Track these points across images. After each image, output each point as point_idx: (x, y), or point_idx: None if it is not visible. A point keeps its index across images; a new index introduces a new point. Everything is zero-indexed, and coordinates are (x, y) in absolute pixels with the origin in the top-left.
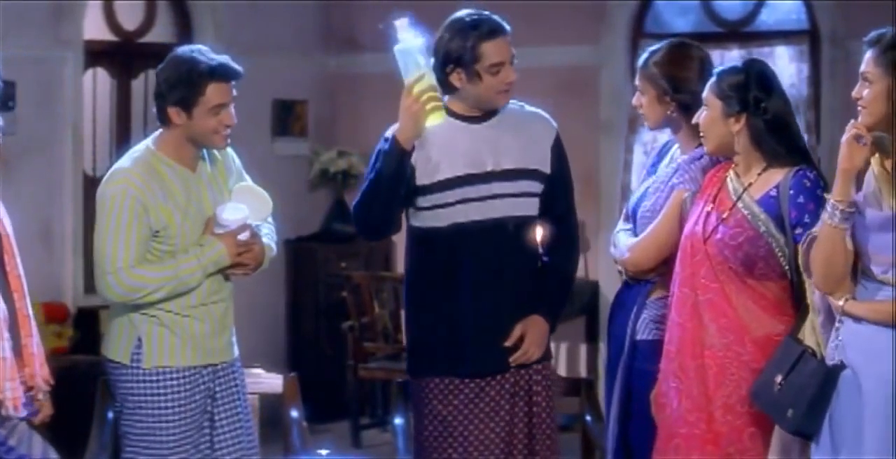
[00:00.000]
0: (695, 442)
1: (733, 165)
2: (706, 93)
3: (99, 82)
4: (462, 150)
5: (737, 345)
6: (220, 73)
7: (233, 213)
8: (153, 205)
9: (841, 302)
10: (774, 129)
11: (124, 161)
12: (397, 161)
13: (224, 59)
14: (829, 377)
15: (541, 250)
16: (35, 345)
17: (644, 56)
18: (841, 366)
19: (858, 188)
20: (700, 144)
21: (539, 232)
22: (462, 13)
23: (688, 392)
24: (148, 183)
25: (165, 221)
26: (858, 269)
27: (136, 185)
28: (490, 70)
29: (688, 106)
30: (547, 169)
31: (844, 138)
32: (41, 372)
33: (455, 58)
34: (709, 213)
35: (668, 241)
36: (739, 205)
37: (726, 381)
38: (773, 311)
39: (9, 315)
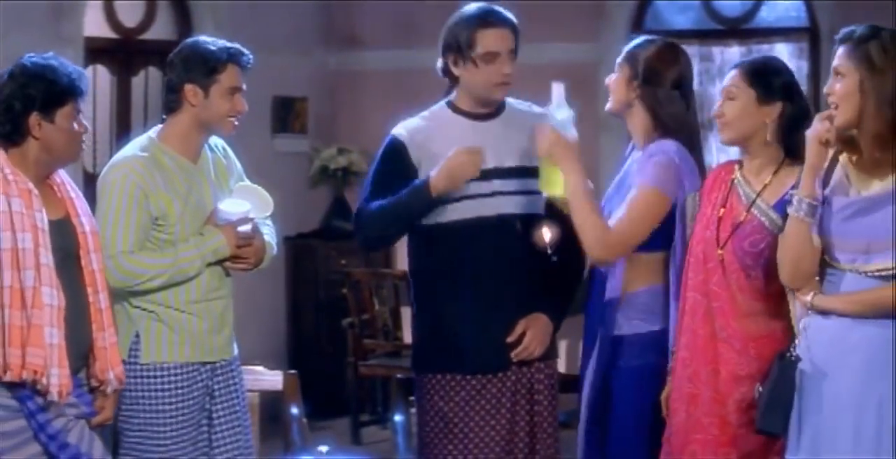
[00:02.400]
0: (710, 446)
1: (737, 166)
2: (734, 81)
3: (99, 79)
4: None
5: (745, 351)
6: (237, 57)
7: (234, 207)
8: (153, 191)
9: (808, 297)
10: (800, 122)
11: (126, 150)
12: (426, 204)
13: (220, 41)
14: (784, 369)
15: (549, 250)
16: (107, 341)
17: (636, 41)
18: (797, 360)
19: (826, 183)
20: (653, 139)
21: (547, 232)
22: (469, 5)
23: (701, 397)
24: (149, 170)
25: (165, 209)
26: (822, 266)
27: (137, 172)
28: (485, 58)
29: (648, 99)
30: None
31: (810, 134)
32: (115, 370)
33: (452, 44)
34: (720, 219)
35: (643, 239)
36: (755, 211)
37: (738, 386)
38: (775, 309)
39: (81, 309)
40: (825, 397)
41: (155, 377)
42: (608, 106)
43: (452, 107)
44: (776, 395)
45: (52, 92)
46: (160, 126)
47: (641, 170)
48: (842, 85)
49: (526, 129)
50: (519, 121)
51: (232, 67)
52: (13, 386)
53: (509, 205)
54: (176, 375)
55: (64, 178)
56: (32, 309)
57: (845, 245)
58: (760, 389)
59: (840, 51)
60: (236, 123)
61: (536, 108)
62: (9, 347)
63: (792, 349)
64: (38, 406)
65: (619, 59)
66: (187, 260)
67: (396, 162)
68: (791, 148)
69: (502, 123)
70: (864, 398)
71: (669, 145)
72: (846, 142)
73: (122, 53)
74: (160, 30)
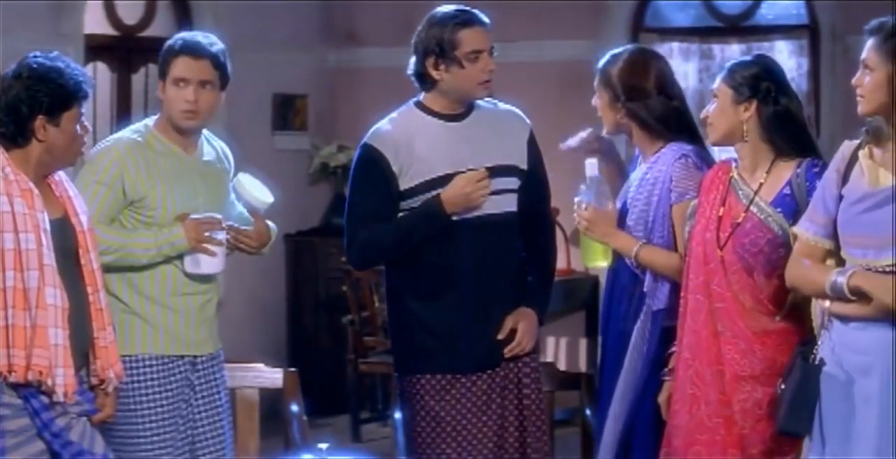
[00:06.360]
0: (716, 448)
1: (734, 166)
2: (717, 84)
3: (99, 76)
4: (442, 150)
5: (750, 351)
6: (185, 48)
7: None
8: (132, 174)
9: (827, 304)
10: (783, 120)
11: (121, 132)
12: (437, 226)
13: (196, 36)
14: (808, 373)
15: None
16: (107, 340)
17: (604, 60)
18: (821, 363)
19: (846, 179)
20: (662, 146)
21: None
22: (439, 8)
23: (706, 398)
24: (133, 153)
25: (143, 192)
26: (838, 261)
27: (119, 152)
28: (469, 57)
29: (637, 114)
30: (524, 165)
31: None
32: (115, 368)
33: (434, 47)
34: (720, 219)
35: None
36: (753, 209)
37: (743, 386)
38: (779, 307)
39: (81, 308)
40: (849, 399)
41: (130, 368)
42: (604, 131)
43: (423, 108)
44: (800, 397)
45: (59, 96)
46: (158, 115)
47: (664, 184)
48: (870, 78)
49: (497, 128)
50: (489, 120)
51: (182, 59)
52: (18, 385)
53: (488, 205)
54: (151, 367)
55: (61, 177)
56: (37, 309)
57: (858, 239)
58: (783, 387)
59: (869, 43)
60: (188, 113)
61: (502, 105)
62: (13, 348)
63: (815, 351)
64: (41, 404)
65: (595, 83)
66: (141, 246)
67: (376, 174)
68: (780, 146)
69: (474, 123)
70: (885, 400)
71: (685, 148)
72: (874, 133)
73: (122, 51)
74: (160, 27)
